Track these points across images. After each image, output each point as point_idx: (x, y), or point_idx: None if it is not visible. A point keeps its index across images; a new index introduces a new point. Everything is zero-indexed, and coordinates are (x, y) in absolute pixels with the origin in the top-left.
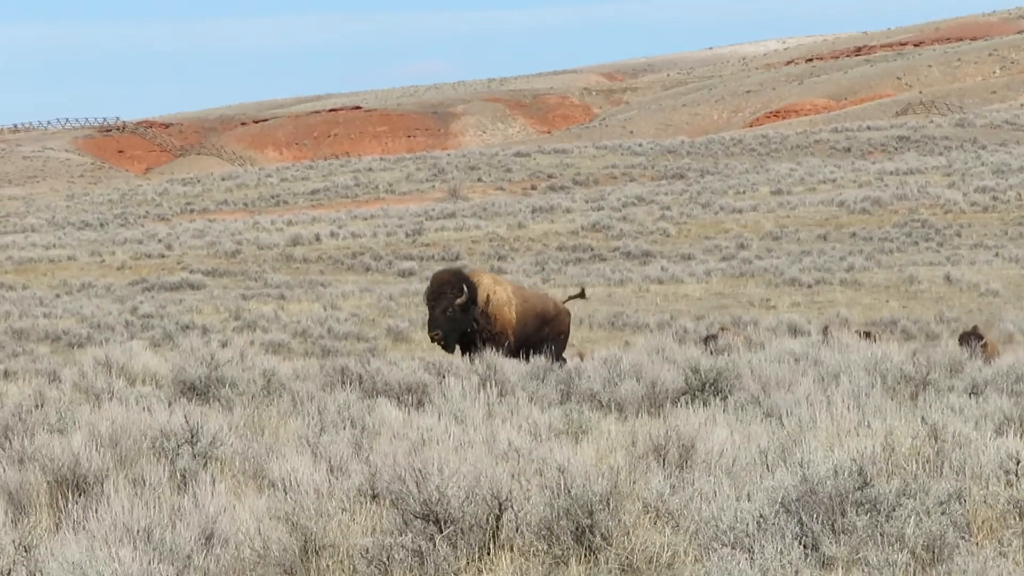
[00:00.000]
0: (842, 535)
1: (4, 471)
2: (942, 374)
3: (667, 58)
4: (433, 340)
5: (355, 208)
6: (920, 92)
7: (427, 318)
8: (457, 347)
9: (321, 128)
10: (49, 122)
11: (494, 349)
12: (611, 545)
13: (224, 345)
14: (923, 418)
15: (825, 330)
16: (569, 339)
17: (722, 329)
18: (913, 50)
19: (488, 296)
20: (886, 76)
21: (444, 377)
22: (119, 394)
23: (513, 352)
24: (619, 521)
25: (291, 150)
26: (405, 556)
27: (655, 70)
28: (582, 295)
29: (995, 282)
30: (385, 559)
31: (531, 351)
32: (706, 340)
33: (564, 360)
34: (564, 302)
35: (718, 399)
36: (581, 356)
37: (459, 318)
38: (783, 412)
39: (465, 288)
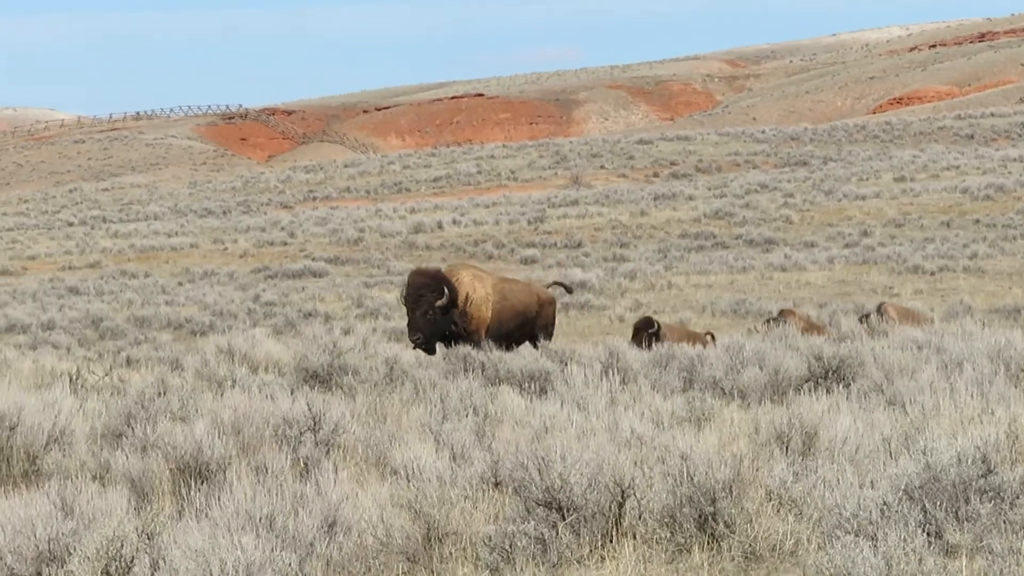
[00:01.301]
0: (966, 523)
1: (127, 459)
2: None
3: (790, 44)
4: (415, 345)
5: (477, 195)
6: None
7: (407, 321)
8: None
9: (444, 115)
10: (172, 110)
11: (474, 343)
12: (734, 533)
13: (346, 333)
14: None
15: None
16: (557, 328)
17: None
18: None
19: (467, 295)
20: (1010, 62)
21: (566, 364)
22: (241, 382)
23: (497, 346)
24: (742, 509)
25: (413, 137)
26: (528, 544)
27: (778, 56)
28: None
29: None
30: (508, 547)
31: (516, 344)
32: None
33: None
34: (548, 287)
35: (841, 386)
36: (709, 340)
37: (439, 320)
38: (906, 399)
39: (445, 290)
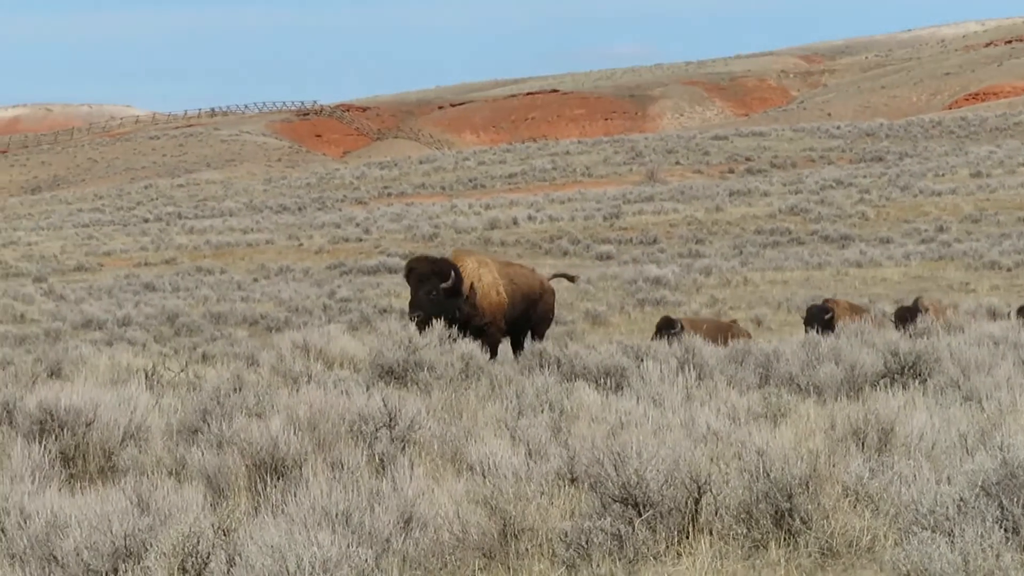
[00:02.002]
0: None
1: (203, 455)
2: None
3: (865, 40)
4: (412, 320)
5: (552, 191)
6: None
7: (409, 300)
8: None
9: (518, 111)
10: (247, 106)
11: (485, 343)
12: (810, 529)
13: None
14: None
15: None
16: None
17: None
18: None
19: (472, 284)
20: None
21: (642, 360)
22: (317, 378)
23: (506, 331)
24: (818, 504)
25: (488, 133)
26: (604, 540)
27: (853, 52)
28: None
29: None
30: (584, 543)
31: (520, 330)
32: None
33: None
34: (550, 278)
35: (917, 382)
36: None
37: (443, 303)
38: (983, 395)
39: (452, 274)
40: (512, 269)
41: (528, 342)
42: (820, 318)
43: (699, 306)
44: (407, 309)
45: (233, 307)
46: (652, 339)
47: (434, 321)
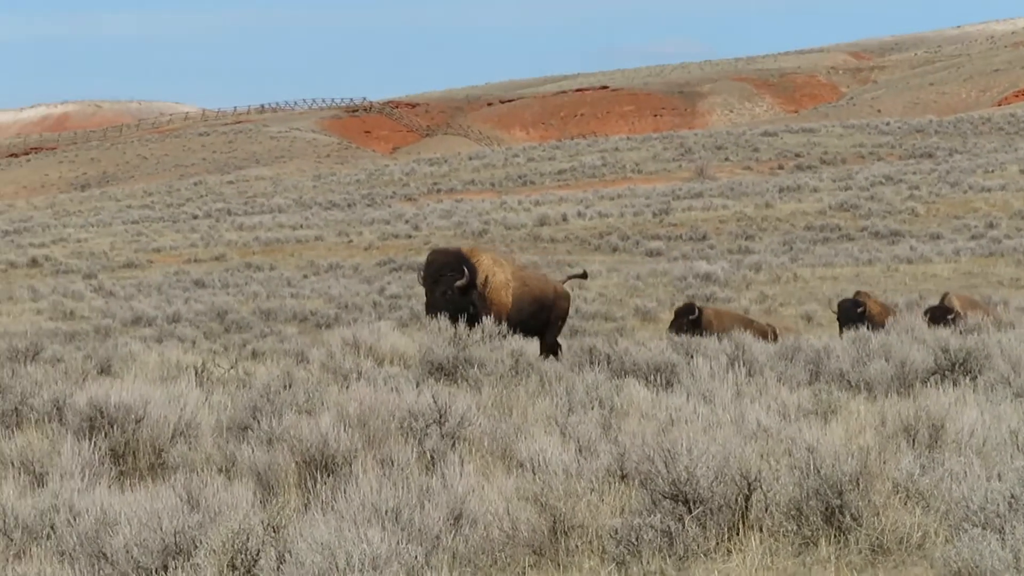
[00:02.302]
0: None
1: (253, 452)
2: None
3: (914, 36)
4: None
5: (602, 188)
6: None
7: (424, 300)
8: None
9: (568, 108)
10: (296, 103)
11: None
12: (861, 526)
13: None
14: None
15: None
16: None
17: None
18: None
19: (487, 278)
20: None
21: (692, 357)
22: (367, 374)
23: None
24: (869, 501)
25: (538, 130)
26: (654, 536)
27: (902, 48)
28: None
29: None
30: (634, 539)
31: (529, 334)
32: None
33: (559, 345)
34: (564, 282)
35: (968, 379)
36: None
37: (458, 301)
38: None
39: (466, 270)
40: (526, 273)
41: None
42: (853, 312)
43: (748, 302)
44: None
45: (283, 304)
46: (671, 325)
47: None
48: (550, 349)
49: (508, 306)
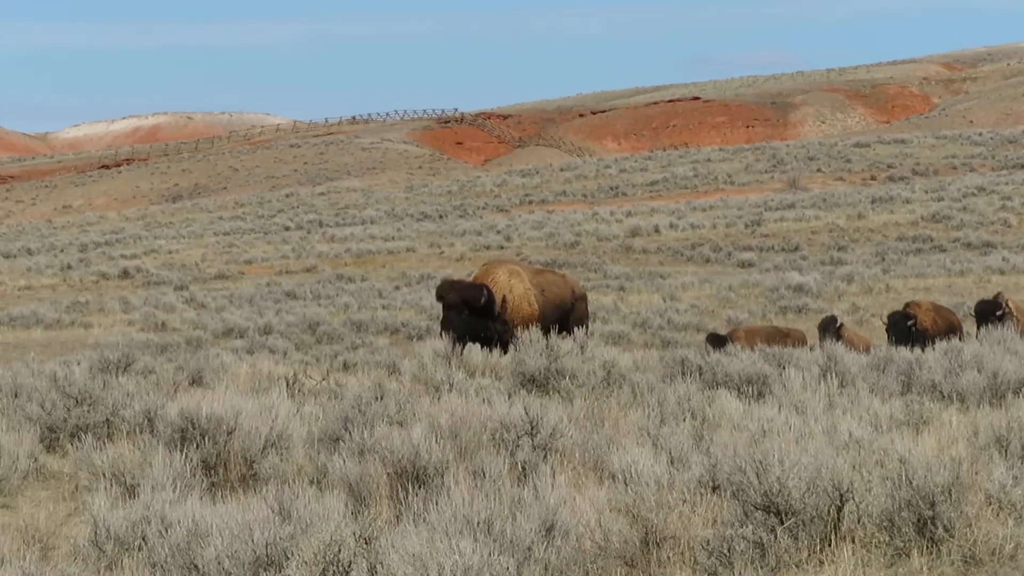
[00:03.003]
0: None
1: (344, 463)
2: None
3: (1008, 47)
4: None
5: (694, 199)
6: None
7: (441, 319)
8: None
9: (660, 119)
10: (387, 114)
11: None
12: (953, 537)
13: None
14: None
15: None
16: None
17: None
18: None
19: (504, 297)
20: None
21: (784, 368)
22: (459, 386)
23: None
24: (961, 512)
25: (629, 141)
26: (746, 548)
27: (995, 59)
28: None
29: None
30: (726, 551)
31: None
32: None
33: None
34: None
35: None
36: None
37: (475, 323)
38: None
39: (483, 297)
40: (544, 277)
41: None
42: (903, 327)
43: (840, 313)
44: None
45: (374, 315)
46: (705, 343)
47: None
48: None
49: (536, 314)
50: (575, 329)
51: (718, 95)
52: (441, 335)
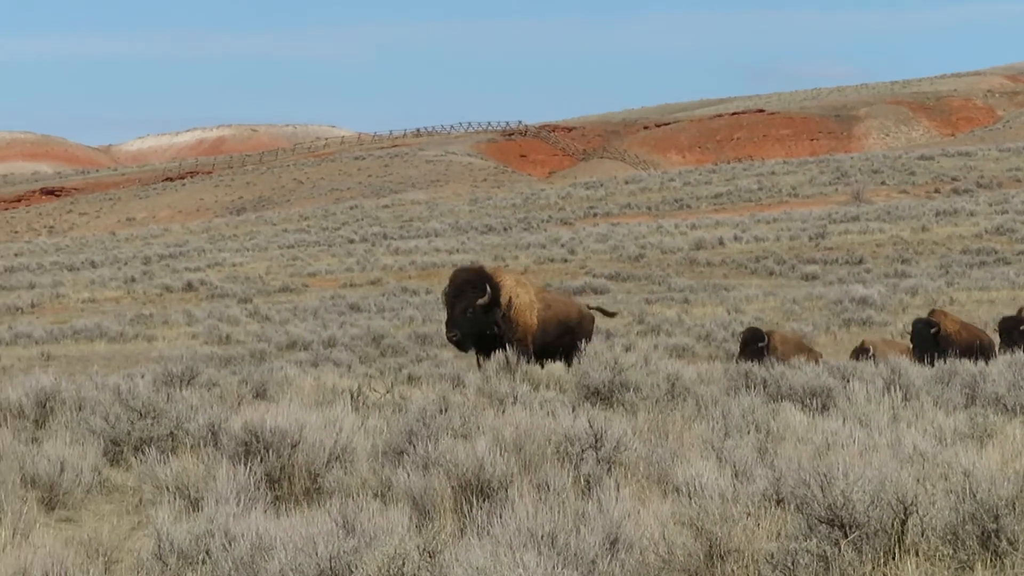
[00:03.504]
0: None
1: (409, 476)
2: None
3: None
4: (450, 340)
5: (758, 211)
6: None
7: (446, 317)
8: (475, 350)
9: (724, 131)
10: (452, 126)
11: (515, 352)
12: (1017, 550)
13: (628, 349)
14: None
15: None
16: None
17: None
18: None
19: (510, 299)
20: None
21: (848, 381)
22: (523, 398)
23: (534, 356)
24: None
25: (693, 153)
26: (810, 561)
27: None
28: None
29: None
30: (790, 564)
31: (552, 357)
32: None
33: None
34: (589, 309)
35: None
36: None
37: (479, 319)
38: None
39: (488, 288)
40: (549, 295)
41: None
42: (925, 334)
43: (905, 326)
44: (444, 328)
45: (439, 328)
46: (740, 352)
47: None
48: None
49: (535, 327)
50: (574, 348)
51: (782, 108)
52: (447, 338)
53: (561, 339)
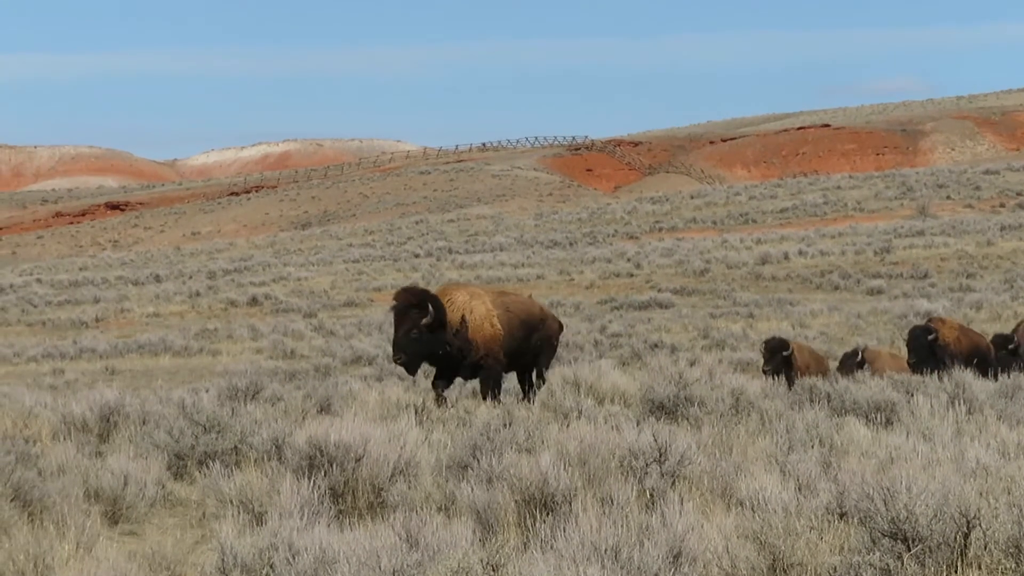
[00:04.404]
0: None
1: (472, 490)
2: None
3: None
4: (396, 363)
5: (823, 226)
6: None
7: (392, 339)
8: (435, 375)
9: (789, 146)
10: (518, 140)
11: (487, 377)
12: None
13: (692, 364)
14: None
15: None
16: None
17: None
18: None
19: (463, 316)
20: None
21: (912, 395)
22: (587, 412)
23: (510, 363)
24: None
25: (759, 168)
26: (873, 574)
27: None
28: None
29: None
30: None
31: (529, 362)
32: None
33: (543, 378)
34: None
35: None
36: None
37: (426, 340)
38: None
39: (430, 307)
40: (508, 298)
41: (536, 380)
42: (922, 340)
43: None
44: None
45: None
46: (765, 361)
47: (420, 361)
48: (541, 377)
49: (500, 334)
50: (544, 351)
51: (848, 122)
52: (393, 361)
53: (529, 340)
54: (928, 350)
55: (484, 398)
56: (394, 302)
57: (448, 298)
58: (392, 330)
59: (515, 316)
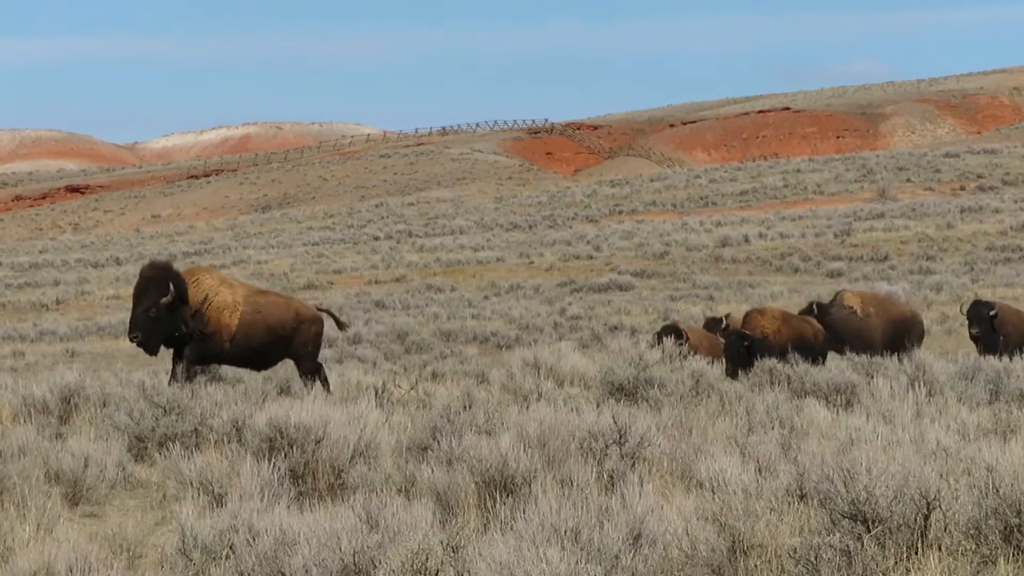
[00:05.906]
0: None
1: (432, 472)
2: None
3: None
4: (132, 341)
5: (783, 209)
6: None
7: (130, 318)
8: (173, 355)
9: (750, 129)
10: (477, 124)
11: (203, 350)
12: None
13: (652, 346)
14: None
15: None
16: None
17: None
18: None
19: (207, 296)
20: None
21: (872, 377)
22: (547, 395)
23: (237, 359)
24: None
25: (719, 151)
26: (833, 556)
27: None
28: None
29: None
30: (813, 559)
31: (266, 364)
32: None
33: (321, 369)
34: (319, 309)
35: None
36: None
37: (164, 318)
38: None
39: (171, 286)
40: (262, 298)
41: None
42: (737, 347)
43: (930, 323)
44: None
45: (463, 325)
46: (651, 344)
47: (157, 340)
48: (310, 377)
49: (231, 329)
50: (302, 356)
51: (808, 105)
52: (130, 339)
53: (275, 345)
54: (744, 356)
55: (173, 378)
56: (139, 276)
57: (195, 278)
58: (132, 306)
59: (261, 319)
